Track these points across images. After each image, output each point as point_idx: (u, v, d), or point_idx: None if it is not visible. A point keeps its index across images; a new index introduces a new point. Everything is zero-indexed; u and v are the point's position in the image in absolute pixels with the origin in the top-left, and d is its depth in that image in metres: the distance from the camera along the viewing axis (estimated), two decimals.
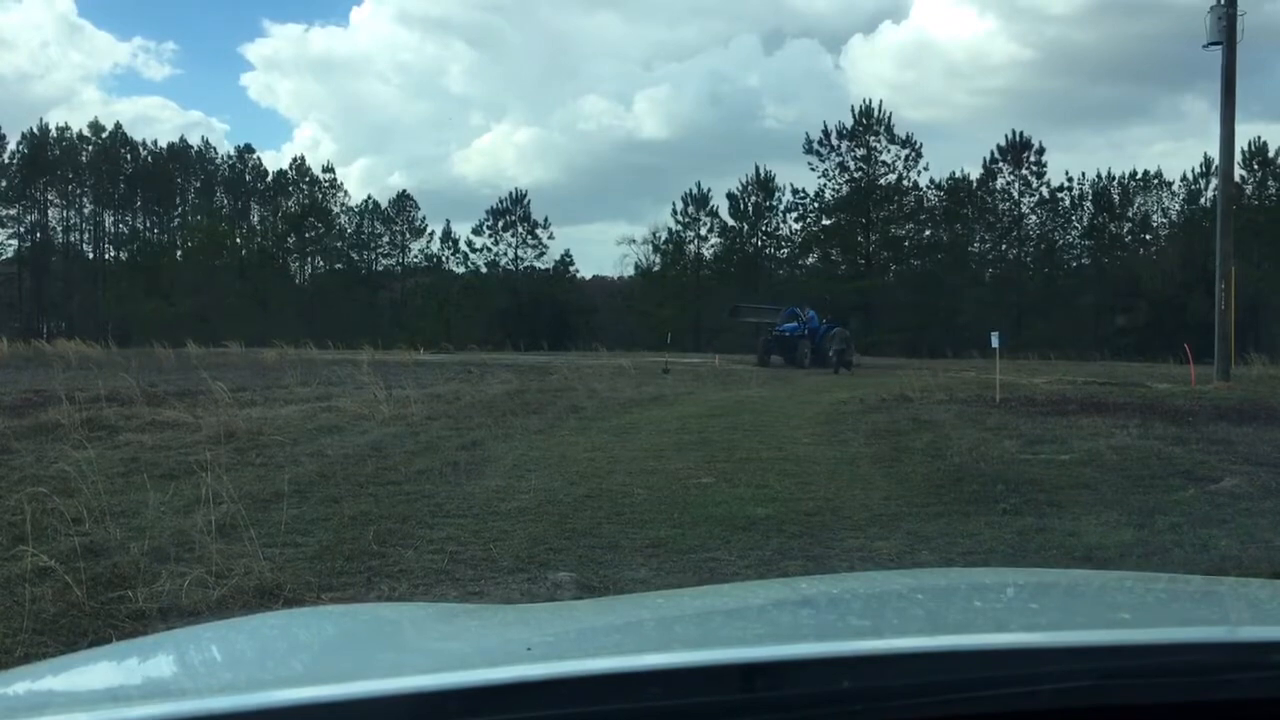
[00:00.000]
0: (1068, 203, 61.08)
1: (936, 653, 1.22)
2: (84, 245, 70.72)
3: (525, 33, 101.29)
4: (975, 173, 61.25)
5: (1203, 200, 57.49)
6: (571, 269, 67.56)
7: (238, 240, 70.41)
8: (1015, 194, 60.99)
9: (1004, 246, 62.51)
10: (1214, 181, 45.90)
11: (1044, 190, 60.73)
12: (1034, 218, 61.52)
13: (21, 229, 66.49)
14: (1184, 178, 60.38)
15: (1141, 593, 1.88)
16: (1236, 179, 40.07)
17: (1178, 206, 60.62)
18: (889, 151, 60.63)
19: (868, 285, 57.68)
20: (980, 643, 1.28)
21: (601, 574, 5.90)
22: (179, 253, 68.49)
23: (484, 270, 67.03)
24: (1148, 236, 61.67)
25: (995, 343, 19.08)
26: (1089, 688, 1.11)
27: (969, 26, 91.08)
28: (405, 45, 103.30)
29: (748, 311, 39.65)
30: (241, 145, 74.47)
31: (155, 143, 70.69)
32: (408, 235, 69.23)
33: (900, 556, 6.34)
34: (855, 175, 60.97)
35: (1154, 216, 61.47)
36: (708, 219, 64.36)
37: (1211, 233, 26.35)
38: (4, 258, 66.16)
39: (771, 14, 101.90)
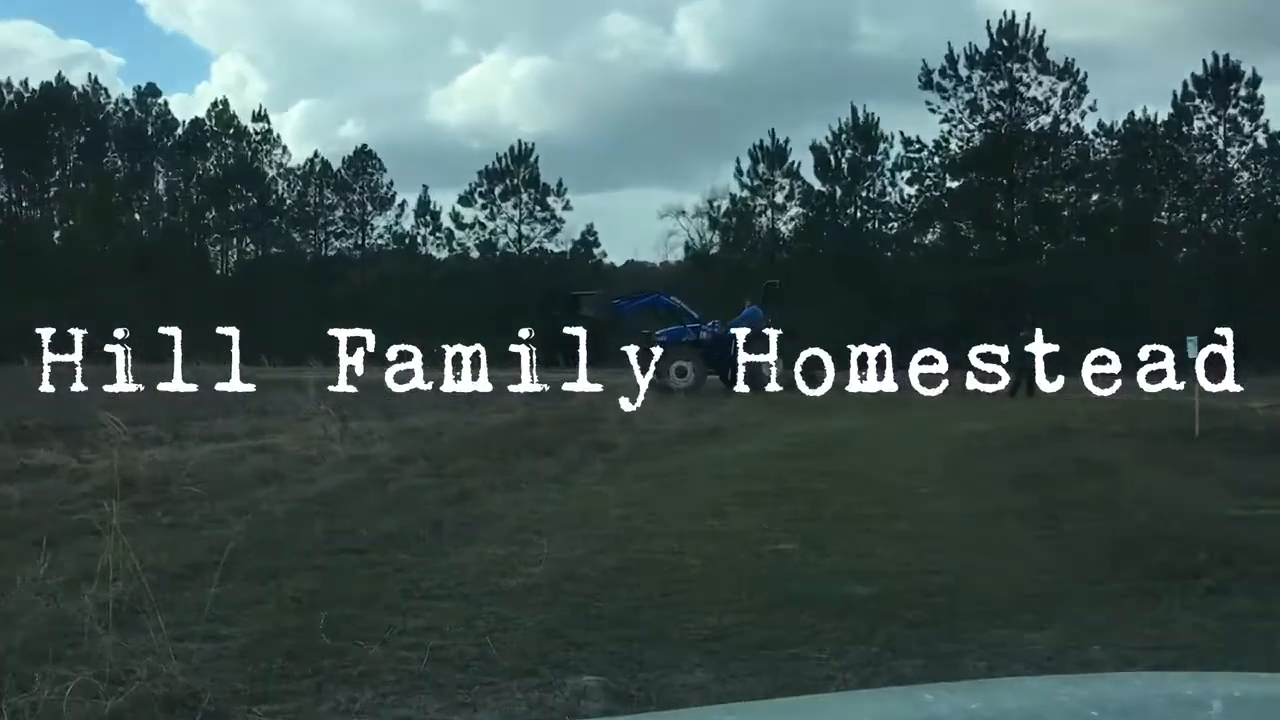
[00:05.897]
0: None
1: None
2: None
3: None
4: (1163, 113, 60.89)
5: None
6: (596, 252, 68.05)
7: (136, 216, 71.30)
8: (1220, 142, 60.55)
9: (1204, 216, 61.99)
10: None
11: (1260, 137, 60.22)
12: (1246, 175, 61.06)
13: None
14: None
15: None
16: None
17: None
18: (1040, 85, 60.49)
19: (1013, 272, 57.18)
20: None
21: (641, 678, 5.90)
22: (56, 234, 69.44)
23: (475, 254, 67.53)
24: None
25: (1192, 352, 18.99)
26: None
27: None
28: None
29: (588, 304, 36.69)
30: (141, 86, 75.23)
31: (24, 83, 71.51)
32: (369, 207, 69.91)
33: (1063, 654, 6.31)
34: (993, 119, 60.83)
35: None
36: (785, 181, 64.60)
37: None
38: None
39: None
